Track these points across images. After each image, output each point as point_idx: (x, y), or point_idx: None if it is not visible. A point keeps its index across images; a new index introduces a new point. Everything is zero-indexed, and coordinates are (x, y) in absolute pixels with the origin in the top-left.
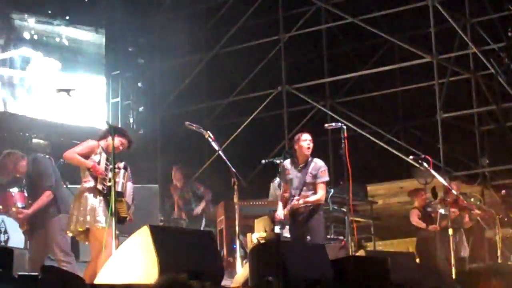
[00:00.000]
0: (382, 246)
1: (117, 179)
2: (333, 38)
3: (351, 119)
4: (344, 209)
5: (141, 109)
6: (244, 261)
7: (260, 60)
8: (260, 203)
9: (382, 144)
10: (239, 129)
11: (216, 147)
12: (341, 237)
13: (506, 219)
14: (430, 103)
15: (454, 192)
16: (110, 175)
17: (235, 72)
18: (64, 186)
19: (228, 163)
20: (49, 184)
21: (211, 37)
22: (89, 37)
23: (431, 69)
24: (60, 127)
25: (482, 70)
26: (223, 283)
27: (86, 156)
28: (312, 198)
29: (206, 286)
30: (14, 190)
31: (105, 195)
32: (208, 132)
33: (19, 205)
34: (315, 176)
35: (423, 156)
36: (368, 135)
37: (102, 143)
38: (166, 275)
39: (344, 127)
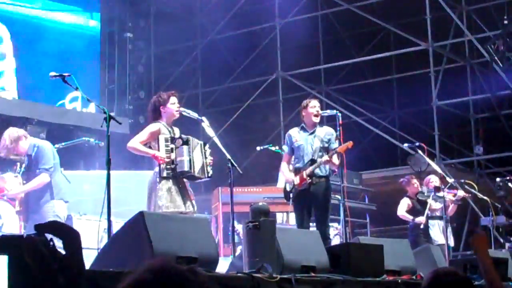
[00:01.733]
0: (377, 233)
1: (181, 158)
2: (329, 25)
3: (346, 106)
4: (339, 196)
5: (142, 94)
6: (239, 248)
7: (255, 46)
8: (255, 189)
9: (377, 131)
10: (234, 116)
11: (211, 134)
12: (336, 225)
13: (500, 207)
14: (425, 90)
15: (448, 180)
16: (173, 155)
17: (230, 58)
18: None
19: (223, 149)
20: (46, 167)
21: (207, 22)
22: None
23: (427, 57)
24: (56, 111)
25: (478, 58)
26: (218, 269)
27: (150, 141)
28: (336, 160)
29: (200, 272)
30: (9, 175)
31: (174, 176)
32: (203, 118)
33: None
34: (329, 141)
35: (418, 143)
36: (363, 122)
37: (163, 121)
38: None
39: (339, 114)
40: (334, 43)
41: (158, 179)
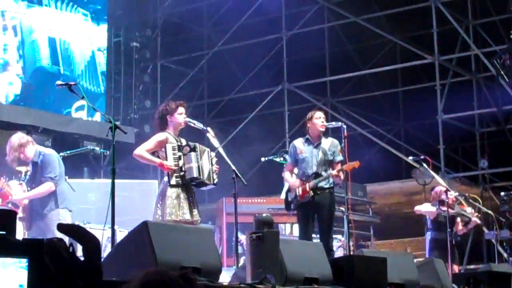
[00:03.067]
0: (380, 246)
1: (189, 165)
2: (335, 37)
3: (352, 118)
4: (343, 209)
5: (148, 104)
6: (242, 258)
7: (262, 57)
8: (259, 200)
9: (382, 144)
10: (240, 126)
11: (216, 144)
12: (340, 237)
13: (504, 221)
14: (431, 103)
15: (452, 193)
16: (181, 162)
17: (236, 69)
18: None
19: (227, 160)
20: (52, 176)
21: (213, 33)
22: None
23: (433, 70)
24: (62, 120)
25: (484, 72)
26: (220, 280)
27: (157, 150)
28: (342, 175)
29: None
30: (13, 183)
31: (184, 184)
32: (208, 128)
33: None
34: (333, 154)
35: (422, 156)
36: (368, 135)
37: (169, 130)
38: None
39: (344, 126)
40: (340, 55)
41: (168, 187)
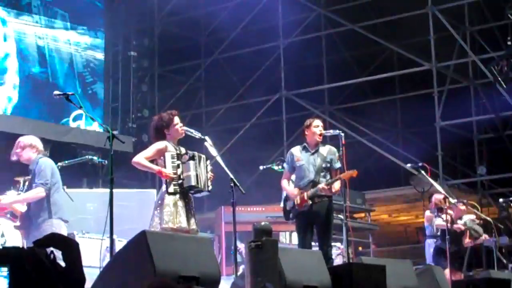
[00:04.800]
0: (379, 253)
1: (188, 173)
2: (333, 45)
3: (350, 126)
4: (342, 216)
5: (146, 113)
6: (241, 267)
7: (259, 65)
8: (258, 209)
9: (380, 151)
10: (238, 135)
11: (214, 153)
12: (339, 244)
13: (503, 227)
14: (429, 110)
15: (451, 200)
16: (179, 170)
17: (234, 77)
18: (62, 191)
19: (226, 168)
20: (42, 182)
21: (211, 42)
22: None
23: (430, 77)
24: (60, 129)
25: (481, 78)
26: None
27: (155, 159)
28: (337, 186)
29: None
30: (11, 193)
31: (182, 192)
32: (206, 137)
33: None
34: (331, 161)
35: (421, 164)
36: (366, 142)
37: (168, 139)
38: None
39: (342, 134)
40: (337, 63)
41: (166, 195)
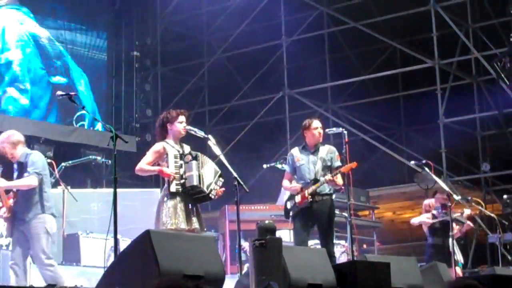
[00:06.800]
0: (383, 251)
1: (190, 173)
2: (335, 43)
3: (353, 124)
4: (346, 214)
5: (149, 113)
6: (246, 266)
7: (262, 64)
8: (262, 207)
9: (384, 148)
10: (241, 133)
11: (217, 152)
12: (343, 242)
13: (507, 224)
14: (432, 107)
15: (455, 197)
16: (182, 170)
17: (237, 76)
18: (66, 190)
19: (229, 167)
20: (37, 171)
21: (213, 41)
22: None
23: (433, 74)
24: (64, 130)
25: (484, 75)
26: (224, 287)
27: (156, 161)
28: (340, 180)
29: None
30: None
31: (185, 192)
32: (210, 136)
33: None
34: (331, 160)
35: (424, 161)
36: (370, 140)
37: (168, 139)
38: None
39: (346, 132)
40: (340, 61)
41: (166, 196)
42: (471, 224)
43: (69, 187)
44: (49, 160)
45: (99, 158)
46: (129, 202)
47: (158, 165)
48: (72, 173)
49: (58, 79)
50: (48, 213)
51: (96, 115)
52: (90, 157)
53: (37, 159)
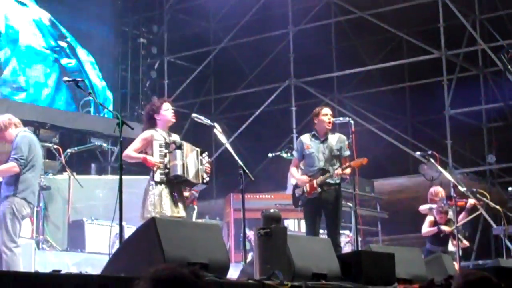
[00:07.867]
0: (388, 241)
1: (174, 162)
2: (342, 32)
3: (359, 114)
4: (351, 204)
5: (155, 100)
6: (250, 254)
7: (268, 53)
8: (267, 196)
9: (389, 139)
10: (247, 122)
11: (223, 140)
12: (348, 232)
13: None
14: (438, 98)
15: (460, 188)
16: (166, 159)
17: (243, 65)
18: (72, 177)
19: (235, 156)
20: (16, 157)
21: (220, 29)
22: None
23: (440, 65)
24: (70, 116)
25: (491, 66)
26: (228, 276)
27: (143, 149)
28: (348, 171)
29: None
30: None
31: (168, 181)
32: (216, 124)
33: None
34: (340, 149)
35: (430, 152)
36: (375, 130)
37: (158, 128)
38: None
39: (352, 121)
40: (347, 51)
41: (151, 185)
42: (474, 201)
43: (74, 173)
44: (55, 146)
45: (104, 144)
46: (135, 190)
47: (146, 152)
48: (78, 159)
49: (67, 61)
50: (20, 196)
51: (106, 96)
52: (96, 143)
53: (21, 143)
